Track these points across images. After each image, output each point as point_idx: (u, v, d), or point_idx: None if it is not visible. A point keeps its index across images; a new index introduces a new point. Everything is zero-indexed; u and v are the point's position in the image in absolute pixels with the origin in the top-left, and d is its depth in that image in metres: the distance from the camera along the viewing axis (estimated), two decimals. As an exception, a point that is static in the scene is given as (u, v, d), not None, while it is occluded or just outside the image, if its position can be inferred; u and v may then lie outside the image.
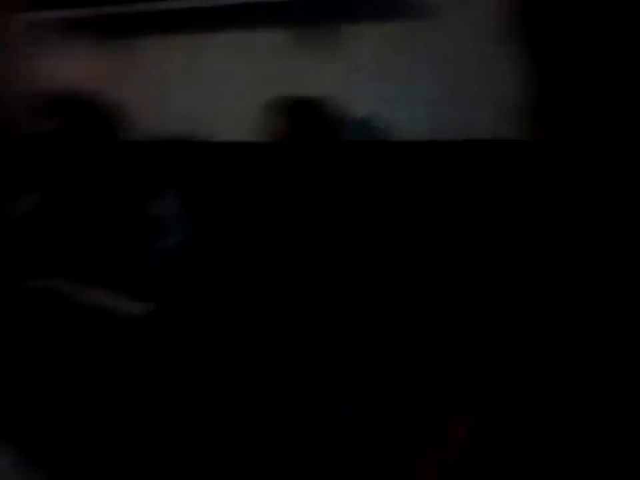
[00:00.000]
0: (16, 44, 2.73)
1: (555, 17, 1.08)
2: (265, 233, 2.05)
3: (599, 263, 1.11)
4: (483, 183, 1.81)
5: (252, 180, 2.22)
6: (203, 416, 1.64)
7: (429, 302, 1.68)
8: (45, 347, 1.86)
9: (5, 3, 2.68)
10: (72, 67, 2.66)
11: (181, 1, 2.31)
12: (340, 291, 1.74)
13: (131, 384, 1.75)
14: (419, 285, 1.73)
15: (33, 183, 2.14)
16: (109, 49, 2.60)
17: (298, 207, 2.01)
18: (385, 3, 2.05)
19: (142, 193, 2.09)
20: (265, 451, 1.52)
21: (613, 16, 1.04)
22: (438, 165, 1.96)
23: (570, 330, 1.13)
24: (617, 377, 1.08)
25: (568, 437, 1.13)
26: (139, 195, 2.08)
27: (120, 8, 2.42)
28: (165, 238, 2.07)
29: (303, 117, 2.00)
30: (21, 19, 2.60)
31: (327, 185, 1.98)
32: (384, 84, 2.10)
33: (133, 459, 1.61)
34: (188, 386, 1.70)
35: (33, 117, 2.38)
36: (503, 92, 1.61)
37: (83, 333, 1.81)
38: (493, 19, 1.52)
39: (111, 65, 2.62)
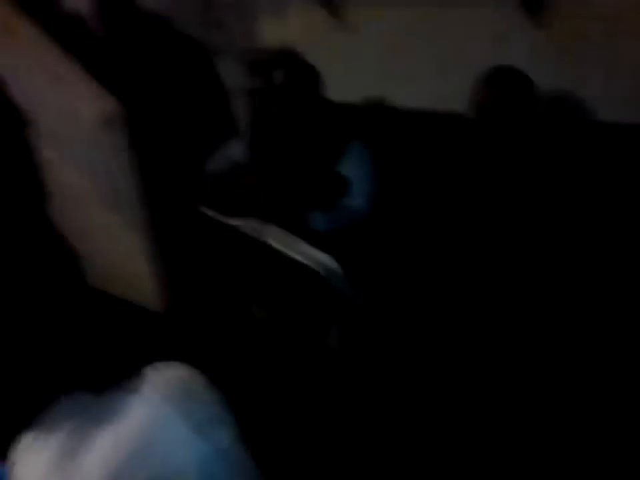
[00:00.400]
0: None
1: None
2: (450, 204, 2.08)
3: None
4: None
5: (442, 149, 2.24)
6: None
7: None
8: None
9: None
10: (291, 28, 2.86)
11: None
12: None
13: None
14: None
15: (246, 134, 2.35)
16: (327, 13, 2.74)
17: (488, 180, 2.01)
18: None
19: (334, 152, 2.18)
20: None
21: None
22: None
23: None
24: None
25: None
26: (331, 153, 2.18)
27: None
28: (352, 198, 2.17)
29: (505, 88, 1.97)
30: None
31: (520, 159, 1.95)
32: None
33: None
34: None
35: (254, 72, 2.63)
36: None
37: (273, 275, 2.01)
38: None
39: (322, 28, 2.77)
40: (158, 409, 1.20)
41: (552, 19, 2.14)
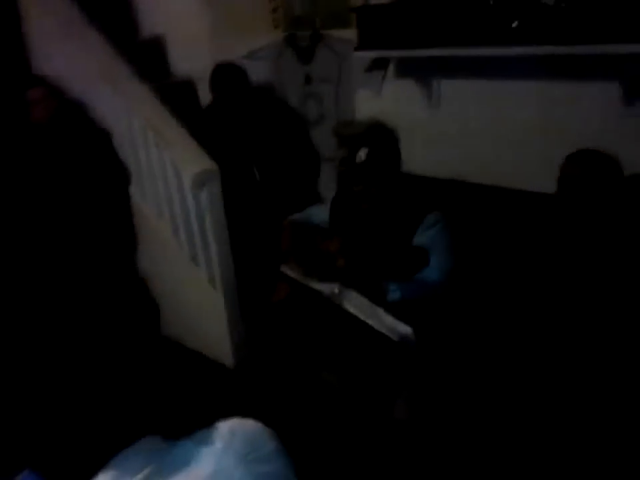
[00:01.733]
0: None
1: None
2: (525, 280, 2.06)
3: None
4: None
5: (521, 227, 2.22)
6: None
7: None
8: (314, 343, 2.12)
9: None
10: (386, 101, 2.98)
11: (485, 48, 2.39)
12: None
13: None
14: None
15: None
16: (416, 88, 2.84)
17: (563, 261, 1.98)
18: None
19: (414, 224, 2.21)
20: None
21: None
22: None
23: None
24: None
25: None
26: (410, 225, 2.21)
27: (426, 52, 2.60)
28: (430, 271, 2.17)
29: (590, 170, 1.96)
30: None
31: (600, 239, 1.92)
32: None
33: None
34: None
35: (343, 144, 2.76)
36: None
37: (348, 341, 2.02)
38: None
39: (417, 104, 2.86)
40: (226, 462, 1.21)
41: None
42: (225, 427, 1.30)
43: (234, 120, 2.97)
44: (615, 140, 2.11)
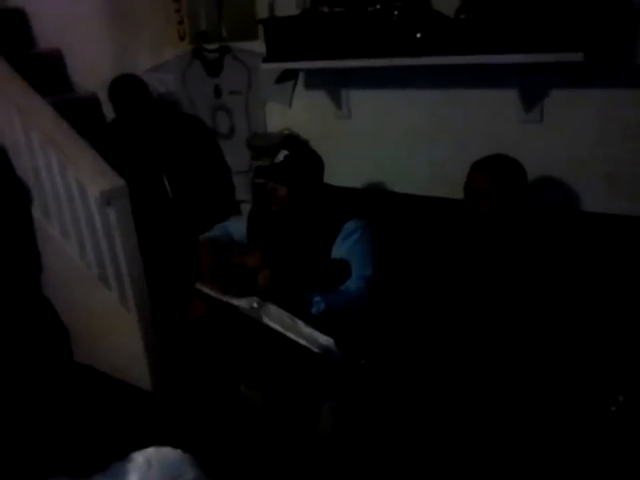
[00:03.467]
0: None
1: None
2: (440, 281, 2.11)
3: None
4: None
5: (436, 233, 2.28)
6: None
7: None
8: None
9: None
10: (297, 113, 2.98)
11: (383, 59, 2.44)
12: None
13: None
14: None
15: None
16: (326, 98, 2.86)
17: (479, 264, 2.05)
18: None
19: (331, 234, 2.21)
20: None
21: None
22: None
23: None
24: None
25: None
26: (328, 235, 2.21)
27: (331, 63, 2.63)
28: (351, 281, 2.17)
29: (497, 175, 2.03)
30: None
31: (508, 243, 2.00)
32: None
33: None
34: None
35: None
36: None
37: (269, 356, 1.99)
38: None
39: (327, 114, 2.88)
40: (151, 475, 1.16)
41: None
42: (141, 458, 1.24)
43: (138, 133, 2.87)
44: (515, 145, 2.21)
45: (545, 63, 2.07)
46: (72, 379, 2.25)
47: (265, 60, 2.83)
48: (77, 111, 2.82)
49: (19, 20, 3.48)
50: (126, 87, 2.85)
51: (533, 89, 2.28)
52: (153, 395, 2.54)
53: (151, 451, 1.25)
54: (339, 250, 2.18)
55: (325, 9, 2.56)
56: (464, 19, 2.19)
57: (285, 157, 2.17)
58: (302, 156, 2.23)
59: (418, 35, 2.31)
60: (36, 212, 2.77)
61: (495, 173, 2.04)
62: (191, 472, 1.24)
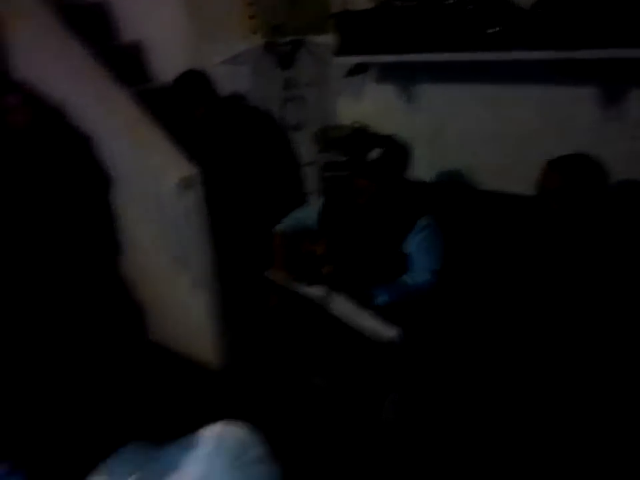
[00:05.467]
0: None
1: None
2: (511, 281, 2.08)
3: None
4: None
5: (509, 229, 2.25)
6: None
7: None
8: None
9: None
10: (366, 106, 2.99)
11: (464, 53, 2.42)
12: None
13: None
14: None
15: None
16: (396, 92, 2.86)
17: (552, 264, 2.01)
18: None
19: (404, 229, 2.22)
20: None
21: None
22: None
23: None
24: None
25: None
26: (401, 230, 2.22)
27: (405, 57, 2.63)
28: (416, 273, 2.19)
29: (574, 175, 1.98)
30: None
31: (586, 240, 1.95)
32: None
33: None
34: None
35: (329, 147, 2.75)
36: None
37: (334, 344, 2.03)
38: None
39: (397, 108, 2.88)
40: (214, 466, 1.21)
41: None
42: (213, 432, 1.30)
43: (207, 127, 2.96)
44: (598, 142, 2.14)
45: (630, 58, 2.00)
46: (147, 357, 2.36)
47: (337, 53, 2.86)
48: (155, 100, 2.92)
49: (102, 13, 3.63)
50: (190, 82, 2.93)
51: (615, 85, 2.21)
52: (222, 375, 2.63)
53: (222, 425, 1.30)
54: (410, 244, 2.20)
55: (399, 3, 2.56)
56: (542, 12, 2.15)
57: (380, 155, 2.18)
58: (396, 155, 2.25)
59: (492, 30, 2.29)
60: (116, 196, 2.90)
61: (569, 174, 1.98)
62: (259, 448, 1.29)
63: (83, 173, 2.79)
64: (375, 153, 2.18)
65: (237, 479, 1.23)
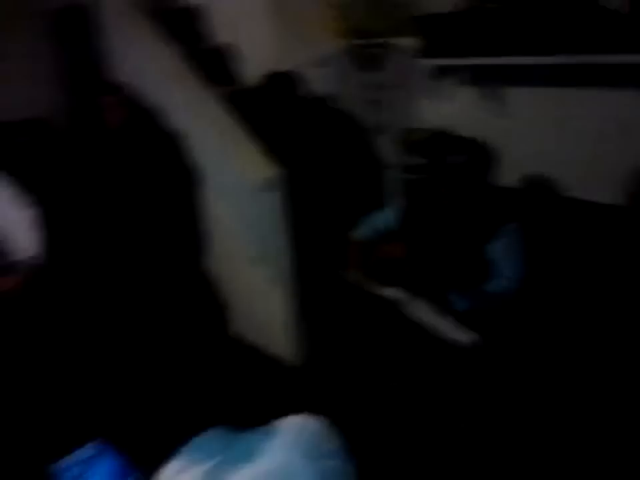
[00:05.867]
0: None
1: None
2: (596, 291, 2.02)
3: None
4: None
5: (595, 240, 2.18)
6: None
7: None
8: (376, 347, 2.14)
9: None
10: (450, 109, 2.98)
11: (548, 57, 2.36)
12: None
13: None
14: None
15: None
16: (481, 95, 2.83)
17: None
18: None
19: (485, 234, 2.20)
20: None
21: None
22: None
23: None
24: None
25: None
26: (484, 236, 2.20)
27: (493, 60, 2.59)
28: (498, 279, 2.15)
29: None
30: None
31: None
32: None
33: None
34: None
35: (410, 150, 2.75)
36: None
37: (410, 346, 2.03)
38: None
39: (482, 111, 2.85)
40: (293, 456, 1.25)
41: None
42: (292, 423, 1.34)
43: (293, 127, 3.02)
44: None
45: None
46: (227, 348, 2.43)
47: (422, 56, 2.86)
48: (243, 101, 3.02)
49: (193, 17, 3.78)
50: (277, 84, 3.00)
51: None
52: (298, 368, 2.69)
53: (301, 417, 1.34)
54: (493, 251, 2.16)
55: (492, 5, 2.53)
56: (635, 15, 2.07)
57: (463, 160, 2.17)
58: (479, 159, 2.23)
59: (585, 32, 2.22)
60: (202, 194, 3.01)
61: None
62: (335, 442, 1.32)
63: (172, 171, 2.91)
64: (458, 158, 2.16)
65: (312, 471, 1.25)
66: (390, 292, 2.08)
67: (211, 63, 3.25)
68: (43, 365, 2.26)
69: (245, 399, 1.44)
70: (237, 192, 2.74)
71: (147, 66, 3.03)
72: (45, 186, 2.65)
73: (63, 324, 2.44)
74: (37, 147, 3.10)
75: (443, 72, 2.97)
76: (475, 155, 2.18)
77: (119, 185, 2.82)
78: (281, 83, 3.02)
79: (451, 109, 2.99)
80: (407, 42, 3.04)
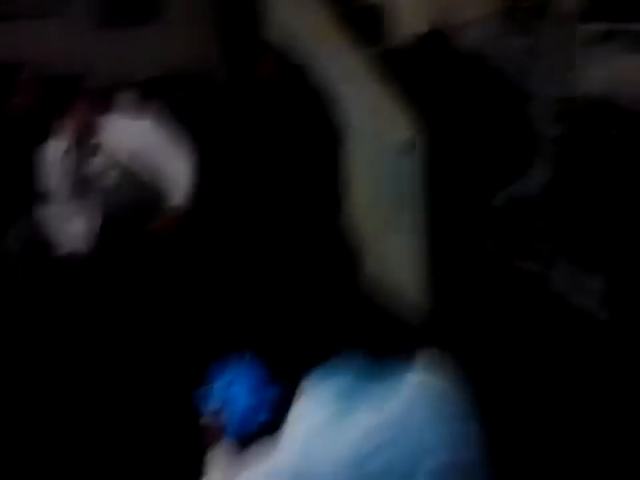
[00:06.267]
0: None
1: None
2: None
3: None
4: None
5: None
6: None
7: None
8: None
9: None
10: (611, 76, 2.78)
11: None
12: None
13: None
14: None
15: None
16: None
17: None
18: None
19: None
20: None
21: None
22: None
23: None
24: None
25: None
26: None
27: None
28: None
29: None
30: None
31: None
32: None
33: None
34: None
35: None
36: None
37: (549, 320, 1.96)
38: None
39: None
40: (412, 412, 1.26)
41: None
42: (418, 379, 1.34)
43: (445, 87, 2.97)
44: None
45: None
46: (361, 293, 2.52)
47: (583, 20, 2.68)
48: (397, 61, 3.01)
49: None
50: (432, 43, 2.95)
51: None
52: (426, 318, 2.69)
53: (425, 375, 1.33)
54: None
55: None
56: None
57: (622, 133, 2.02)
58: None
59: None
60: (346, 151, 3.08)
61: None
62: (461, 405, 1.32)
63: (318, 128, 3.00)
64: (616, 131, 2.03)
65: (434, 432, 1.26)
66: (529, 264, 2.02)
67: (364, 22, 3.26)
68: (194, 294, 2.51)
69: (376, 328, 1.44)
70: (377, 151, 2.77)
71: (298, 24, 3.10)
72: (201, 136, 2.84)
73: (211, 263, 2.66)
74: (194, 100, 3.32)
75: (606, 37, 2.76)
76: (635, 128, 2.04)
77: (267, 137, 2.95)
78: (434, 43, 2.98)
79: (613, 76, 2.78)
80: (569, 4, 2.85)
